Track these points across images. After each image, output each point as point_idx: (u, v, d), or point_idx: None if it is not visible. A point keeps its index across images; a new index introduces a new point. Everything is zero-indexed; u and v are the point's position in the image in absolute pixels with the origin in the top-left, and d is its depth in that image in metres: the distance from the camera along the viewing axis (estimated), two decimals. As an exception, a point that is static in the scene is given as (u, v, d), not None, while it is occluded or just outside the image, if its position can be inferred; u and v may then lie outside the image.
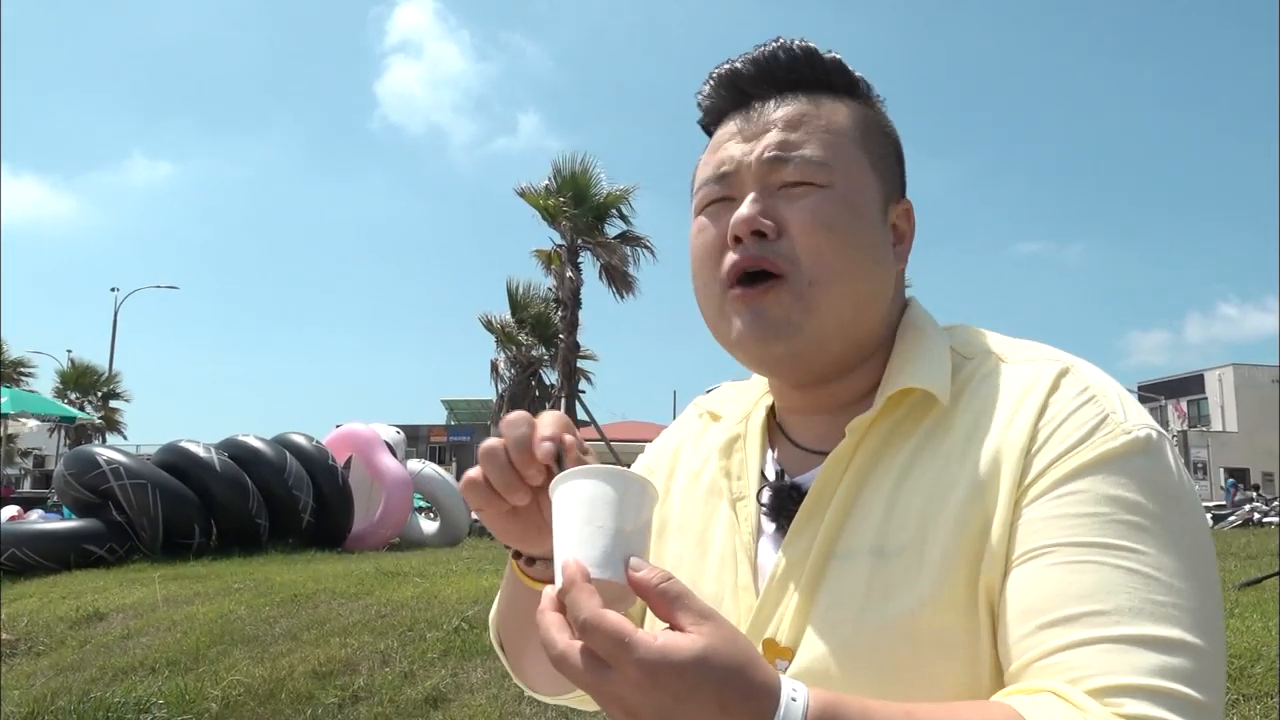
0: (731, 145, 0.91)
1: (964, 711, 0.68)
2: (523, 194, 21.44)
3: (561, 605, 0.66)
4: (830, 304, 0.86)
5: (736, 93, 0.92)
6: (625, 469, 0.73)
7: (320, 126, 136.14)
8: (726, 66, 0.93)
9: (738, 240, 0.87)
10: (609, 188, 21.40)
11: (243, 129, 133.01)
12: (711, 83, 0.94)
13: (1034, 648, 0.72)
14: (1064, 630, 0.71)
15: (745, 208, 0.87)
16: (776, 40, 0.92)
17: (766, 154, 0.87)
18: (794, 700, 0.63)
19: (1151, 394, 50.66)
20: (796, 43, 0.92)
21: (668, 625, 0.64)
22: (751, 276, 0.87)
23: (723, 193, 0.90)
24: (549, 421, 0.79)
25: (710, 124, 0.96)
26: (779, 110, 0.90)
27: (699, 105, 0.96)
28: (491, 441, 0.80)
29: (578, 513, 0.71)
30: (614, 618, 0.62)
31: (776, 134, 0.88)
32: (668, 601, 0.65)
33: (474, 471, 0.81)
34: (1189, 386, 50.46)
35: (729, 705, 0.61)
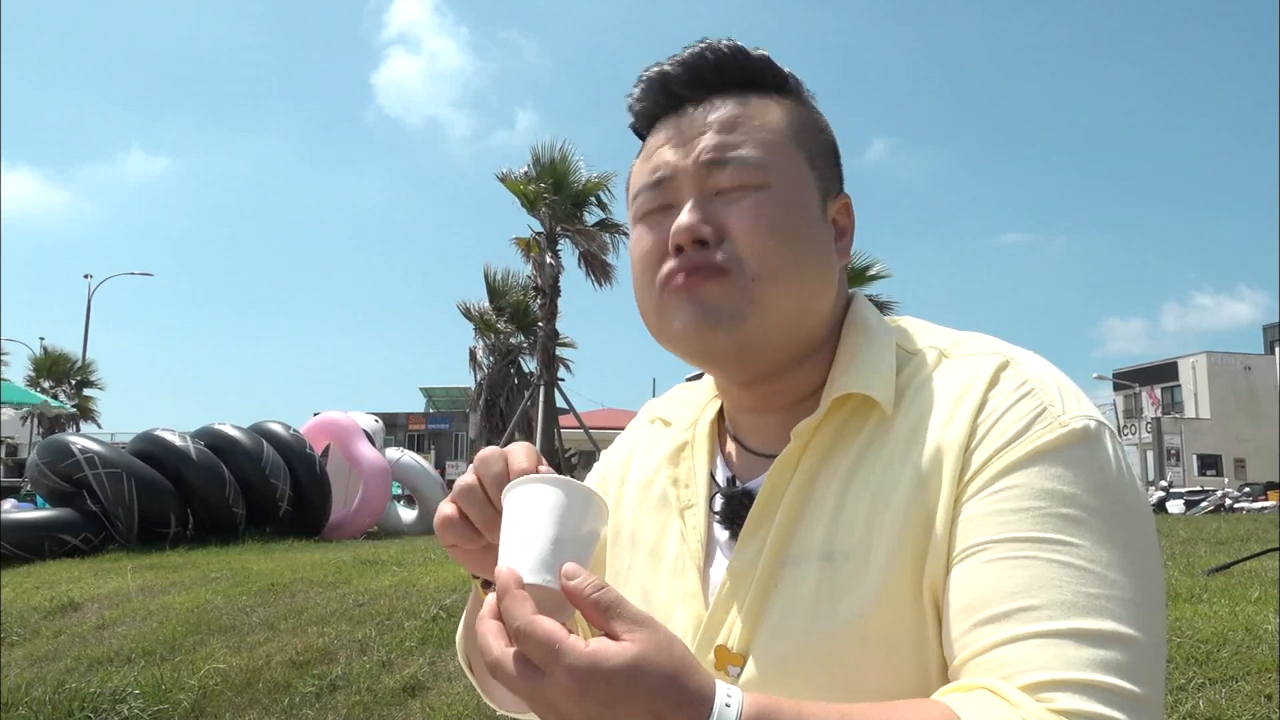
0: (666, 151, 0.89)
1: (900, 711, 0.68)
2: (503, 179, 21.31)
3: (496, 612, 0.67)
4: (775, 299, 0.85)
5: (668, 96, 0.91)
6: (571, 479, 0.73)
7: (315, 117, 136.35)
8: (655, 69, 0.91)
9: (679, 249, 0.86)
10: (588, 175, 21.30)
11: (240, 121, 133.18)
12: (642, 85, 0.92)
13: (970, 645, 0.72)
14: (998, 627, 0.71)
15: (685, 216, 0.85)
16: (703, 41, 0.90)
17: (703, 158, 0.86)
18: (728, 706, 0.63)
19: (1127, 381, 51.14)
20: (724, 42, 0.90)
21: (604, 634, 0.65)
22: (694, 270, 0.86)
23: (660, 201, 0.88)
24: (521, 453, 0.80)
25: (642, 128, 0.95)
26: (712, 113, 0.88)
27: (629, 109, 0.94)
28: (467, 479, 0.80)
29: (518, 520, 0.71)
30: (546, 624, 0.63)
31: (712, 137, 0.86)
32: (600, 610, 0.65)
33: (448, 509, 0.81)
34: (1163, 374, 50.93)
35: (660, 713, 0.62)
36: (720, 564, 0.89)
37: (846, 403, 0.86)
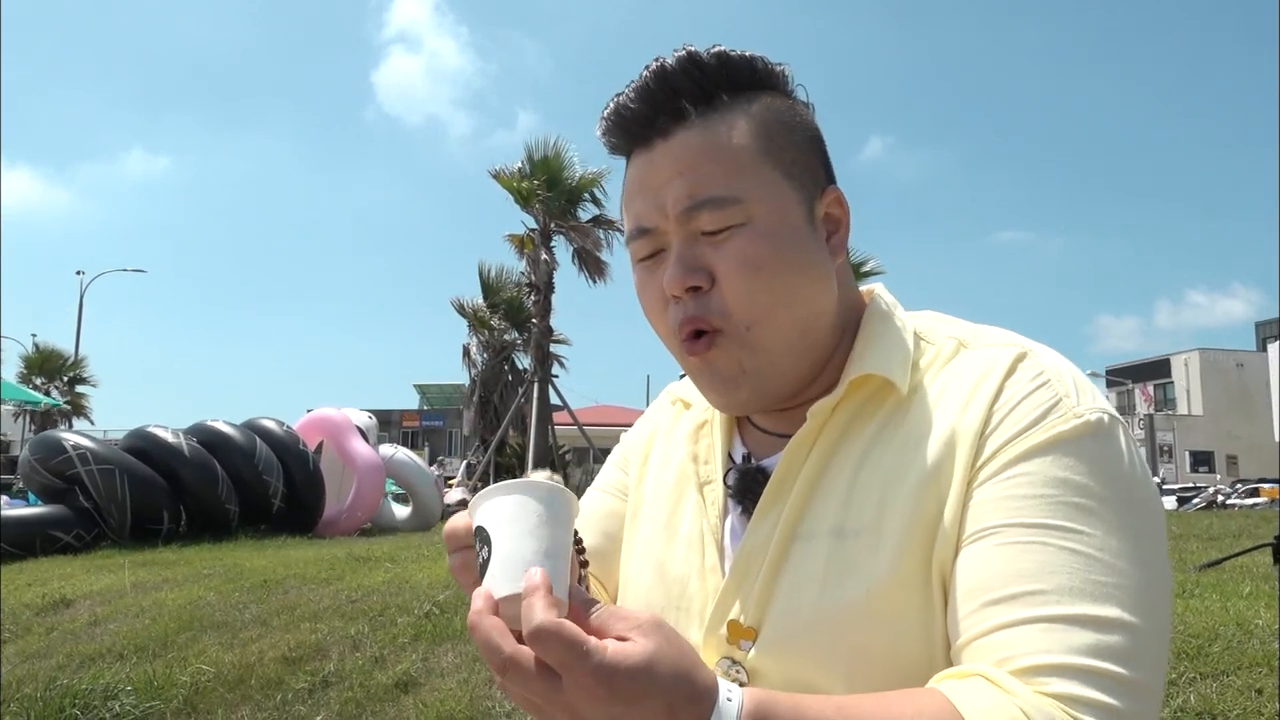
0: (638, 201, 0.89)
1: (895, 702, 0.69)
2: (497, 176, 21.29)
3: (496, 609, 0.67)
4: (774, 333, 0.86)
5: (630, 131, 0.89)
6: (561, 486, 0.73)
7: (316, 116, 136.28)
8: (614, 103, 0.90)
9: (676, 296, 0.87)
10: (582, 171, 21.28)
11: (240, 121, 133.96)
12: (604, 122, 0.91)
13: (975, 626, 0.73)
14: (1003, 609, 0.72)
15: (671, 269, 0.86)
16: (657, 61, 0.87)
17: (677, 209, 0.85)
18: (729, 701, 0.65)
19: (1120, 378, 51.27)
20: (676, 57, 0.87)
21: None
22: (697, 332, 0.87)
23: (650, 249, 0.89)
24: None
25: (618, 154, 0.94)
26: (676, 151, 0.86)
27: (600, 140, 0.93)
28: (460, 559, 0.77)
29: (540, 528, 0.70)
30: (571, 626, 0.63)
31: (680, 184, 0.85)
32: (601, 621, 0.66)
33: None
34: (1156, 371, 51.10)
35: (675, 708, 0.63)
36: (734, 539, 0.91)
37: (864, 385, 0.88)
